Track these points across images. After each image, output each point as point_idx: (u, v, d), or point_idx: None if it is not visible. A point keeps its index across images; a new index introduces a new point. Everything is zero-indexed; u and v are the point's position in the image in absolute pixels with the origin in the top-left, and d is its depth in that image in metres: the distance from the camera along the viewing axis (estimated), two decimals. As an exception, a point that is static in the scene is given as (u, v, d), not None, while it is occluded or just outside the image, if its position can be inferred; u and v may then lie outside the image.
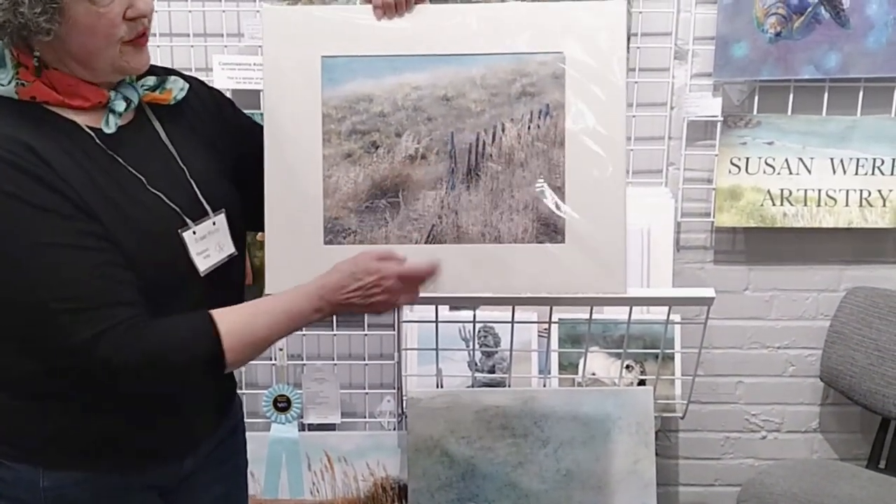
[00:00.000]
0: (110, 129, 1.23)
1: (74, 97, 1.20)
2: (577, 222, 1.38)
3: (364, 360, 2.35)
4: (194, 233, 1.27)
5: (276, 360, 2.30)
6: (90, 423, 1.23)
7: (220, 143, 1.38)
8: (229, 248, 1.33)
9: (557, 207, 1.39)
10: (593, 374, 2.12)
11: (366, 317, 2.31)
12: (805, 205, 2.25)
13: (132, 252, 1.18)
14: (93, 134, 1.21)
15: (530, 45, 1.39)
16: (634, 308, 1.93)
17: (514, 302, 1.88)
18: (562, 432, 1.98)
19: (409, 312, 2.18)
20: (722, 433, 2.47)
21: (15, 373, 1.21)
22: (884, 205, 2.24)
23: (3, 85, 1.17)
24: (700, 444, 2.47)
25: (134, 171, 1.23)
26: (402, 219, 1.39)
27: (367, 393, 2.38)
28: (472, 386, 2.10)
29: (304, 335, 2.31)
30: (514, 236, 1.39)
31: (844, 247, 2.35)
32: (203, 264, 1.28)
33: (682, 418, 2.22)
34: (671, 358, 2.19)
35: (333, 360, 2.33)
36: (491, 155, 1.40)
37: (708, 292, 1.89)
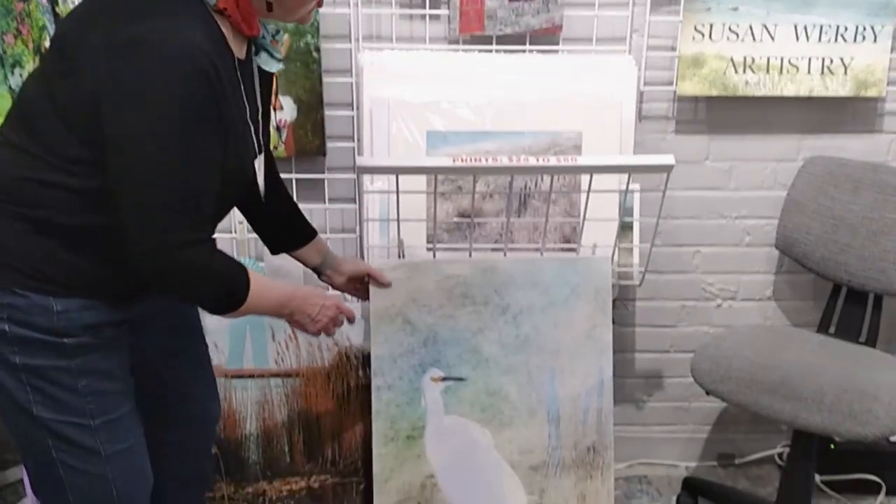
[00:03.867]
0: (271, 68, 1.52)
1: (246, 24, 1.41)
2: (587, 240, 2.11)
3: (326, 232, 2.34)
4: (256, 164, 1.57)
5: (236, 233, 2.29)
6: (107, 269, 1.42)
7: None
8: (262, 181, 1.62)
9: (574, 230, 2.15)
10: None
11: (326, 189, 2.30)
12: (767, 72, 2.23)
13: (231, 167, 1.41)
14: (235, 62, 1.41)
15: (560, 126, 2.11)
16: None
17: (475, 171, 1.88)
18: (521, 299, 2.01)
19: (369, 185, 2.17)
20: (678, 301, 2.53)
21: (77, 221, 1.38)
22: (845, 73, 2.23)
23: None
24: (656, 313, 2.53)
25: (245, 101, 1.46)
26: (476, 235, 2.10)
27: (329, 265, 2.38)
28: (434, 255, 2.11)
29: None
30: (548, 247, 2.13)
31: (804, 116, 2.35)
32: (262, 187, 1.62)
33: (640, 286, 2.26)
34: (630, 227, 2.22)
35: (295, 233, 2.32)
36: (534, 196, 2.15)
37: (668, 159, 1.89)
